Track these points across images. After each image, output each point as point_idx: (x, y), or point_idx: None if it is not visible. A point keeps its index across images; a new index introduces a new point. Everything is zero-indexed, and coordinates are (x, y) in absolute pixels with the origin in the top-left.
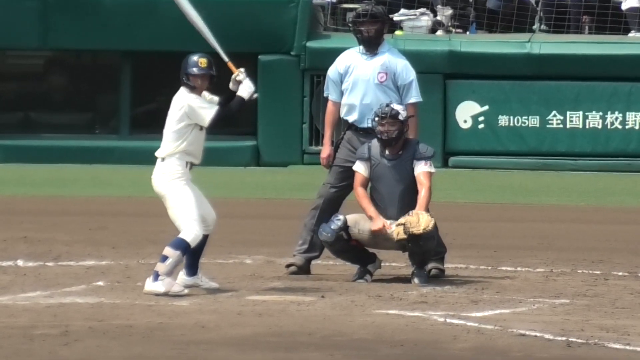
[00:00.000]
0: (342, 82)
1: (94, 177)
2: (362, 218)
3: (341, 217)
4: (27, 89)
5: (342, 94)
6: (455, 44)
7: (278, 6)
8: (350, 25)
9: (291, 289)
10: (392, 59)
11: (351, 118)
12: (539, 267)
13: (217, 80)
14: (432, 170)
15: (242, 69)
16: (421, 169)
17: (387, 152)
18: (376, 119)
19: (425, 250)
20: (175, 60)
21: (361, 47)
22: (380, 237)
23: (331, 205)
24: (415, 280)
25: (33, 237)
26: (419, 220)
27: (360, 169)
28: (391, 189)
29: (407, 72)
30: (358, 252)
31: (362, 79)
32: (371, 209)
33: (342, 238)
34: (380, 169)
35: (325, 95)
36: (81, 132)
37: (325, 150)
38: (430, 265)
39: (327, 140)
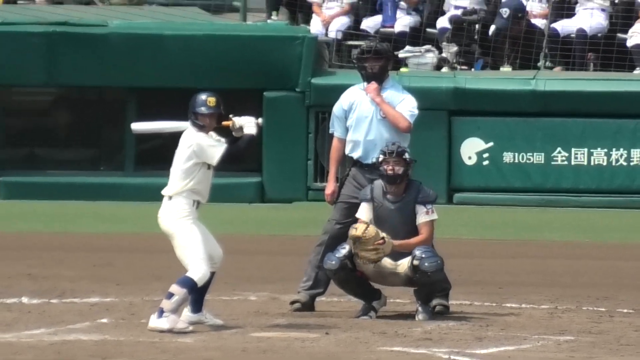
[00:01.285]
0: (346, 118)
1: (99, 214)
2: None
3: (347, 246)
4: (32, 125)
5: (347, 130)
6: (460, 80)
7: (283, 43)
8: (354, 61)
9: (295, 325)
10: (394, 94)
11: (356, 154)
12: (543, 304)
13: (225, 118)
14: (434, 217)
15: (230, 116)
16: (423, 219)
17: (389, 194)
18: (381, 156)
19: (433, 282)
20: (180, 97)
21: (365, 84)
22: (386, 272)
23: (336, 241)
24: (420, 316)
25: (37, 274)
26: (373, 234)
27: (362, 213)
28: (394, 231)
29: (407, 103)
30: (363, 284)
31: (365, 116)
32: (332, 171)
33: (346, 266)
34: (383, 211)
35: (330, 131)
36: (86, 168)
37: (330, 186)
38: (434, 302)
39: (331, 176)
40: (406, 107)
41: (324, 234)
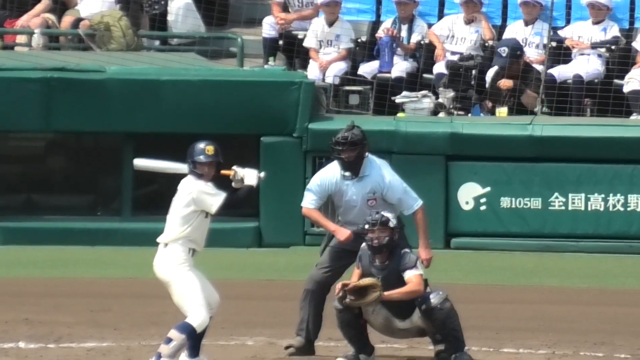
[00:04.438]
0: (328, 198)
1: (96, 259)
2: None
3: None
4: (29, 171)
5: (322, 204)
6: (457, 125)
7: (280, 88)
8: (329, 150)
9: None
10: (378, 180)
11: (349, 228)
12: (541, 349)
13: (224, 166)
14: (421, 272)
15: (234, 167)
16: (412, 273)
17: (376, 260)
18: (367, 226)
19: (448, 311)
20: (177, 142)
21: (345, 173)
22: (395, 327)
23: (319, 286)
24: None
25: (35, 319)
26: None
27: (354, 278)
28: None
29: (392, 190)
30: (361, 333)
31: (353, 205)
32: (331, 224)
33: (353, 311)
34: None
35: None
36: (83, 213)
37: (343, 232)
38: (437, 348)
39: (332, 225)
40: (400, 192)
41: (310, 276)
